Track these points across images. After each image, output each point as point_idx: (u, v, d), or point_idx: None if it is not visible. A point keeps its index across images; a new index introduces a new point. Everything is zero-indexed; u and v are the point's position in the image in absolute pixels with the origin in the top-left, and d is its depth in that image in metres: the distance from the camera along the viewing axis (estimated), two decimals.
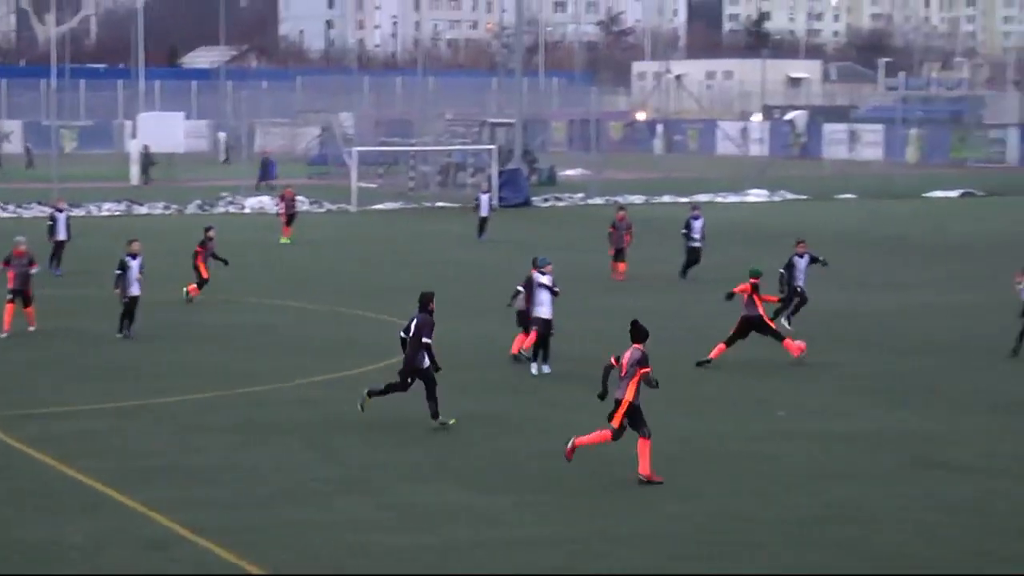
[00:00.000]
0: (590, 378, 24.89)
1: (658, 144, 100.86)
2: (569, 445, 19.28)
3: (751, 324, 26.75)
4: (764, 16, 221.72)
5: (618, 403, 19.06)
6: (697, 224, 38.75)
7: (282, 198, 49.92)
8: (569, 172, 78.60)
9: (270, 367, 26.61)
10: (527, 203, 63.22)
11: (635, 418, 18.97)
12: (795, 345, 26.83)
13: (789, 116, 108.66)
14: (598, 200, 64.20)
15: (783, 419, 22.65)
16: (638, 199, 65.04)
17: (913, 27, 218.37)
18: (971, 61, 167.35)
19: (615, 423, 19.04)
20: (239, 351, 28.54)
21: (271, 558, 15.87)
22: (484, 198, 49.82)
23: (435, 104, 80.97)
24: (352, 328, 31.33)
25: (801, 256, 30.55)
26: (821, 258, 31.01)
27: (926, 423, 22.46)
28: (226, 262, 35.58)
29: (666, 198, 65.63)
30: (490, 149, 65.58)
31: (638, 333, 19.30)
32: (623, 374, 19.04)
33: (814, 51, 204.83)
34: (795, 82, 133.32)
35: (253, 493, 18.54)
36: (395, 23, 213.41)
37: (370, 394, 22.10)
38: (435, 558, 16.02)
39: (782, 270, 30.60)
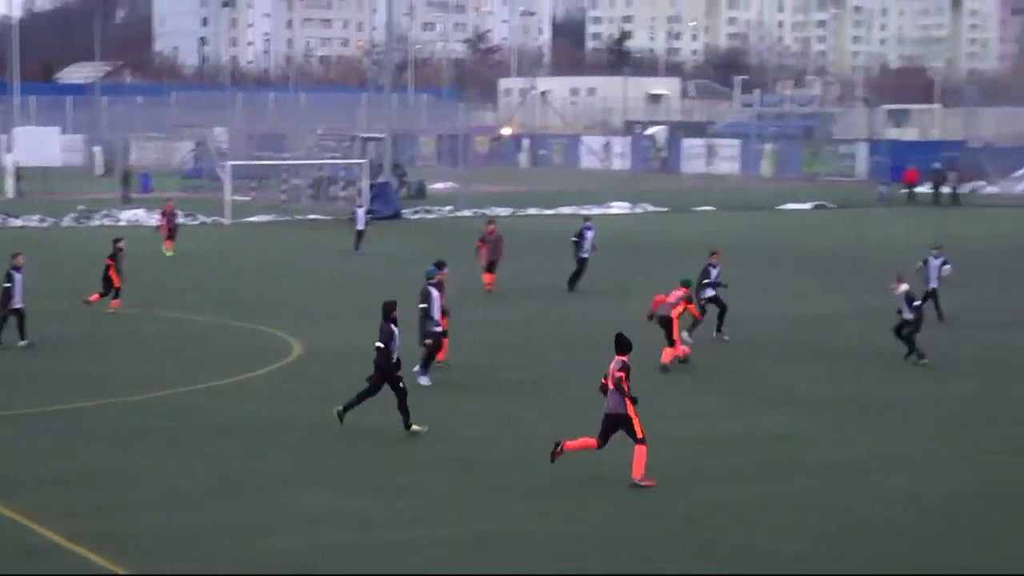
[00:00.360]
0: (467, 387, 25.03)
1: (524, 158, 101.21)
2: (562, 447, 19.16)
3: (664, 323, 27.18)
4: (626, 35, 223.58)
5: (607, 416, 19.00)
6: (589, 235, 38.72)
7: (163, 213, 49.50)
8: (438, 185, 78.65)
9: (148, 375, 26.37)
10: (397, 216, 63.15)
11: (629, 429, 18.89)
12: (674, 352, 27.03)
13: (650, 131, 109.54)
14: (467, 212, 64.33)
15: (649, 424, 22.76)
16: (505, 212, 65.23)
17: (767, 46, 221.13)
18: (822, 79, 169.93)
19: (639, 433, 18.84)
20: (118, 360, 28.26)
21: (149, 564, 15.72)
22: (360, 212, 49.63)
23: (307, 119, 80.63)
24: (229, 338, 31.12)
25: (715, 267, 30.60)
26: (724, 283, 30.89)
27: (791, 425, 22.70)
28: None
29: (532, 211, 65.93)
30: (361, 163, 65.44)
31: (622, 345, 19.20)
32: (611, 387, 19.02)
33: (673, 69, 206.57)
34: (655, 98, 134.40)
35: (130, 500, 18.35)
36: (267, 40, 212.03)
37: (346, 408, 21.82)
38: (306, 560, 15.97)
39: (707, 281, 30.44)
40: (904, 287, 28.10)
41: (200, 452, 20.82)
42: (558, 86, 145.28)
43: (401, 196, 68.48)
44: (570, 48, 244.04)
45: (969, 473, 19.90)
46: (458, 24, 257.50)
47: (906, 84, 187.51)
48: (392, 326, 21.76)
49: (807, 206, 71.65)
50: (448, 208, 65.80)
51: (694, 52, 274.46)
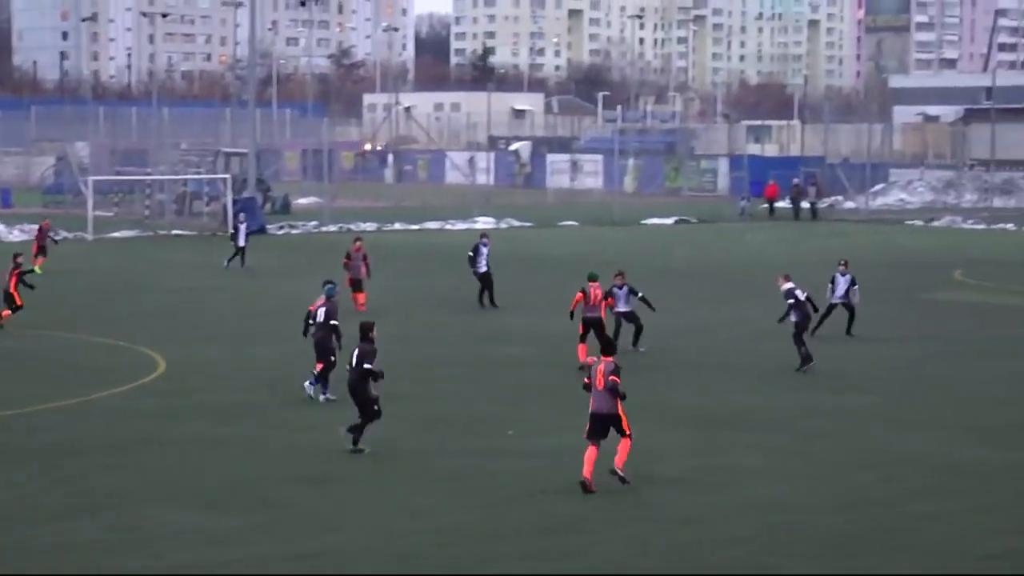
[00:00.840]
0: (338, 402, 24.93)
1: (389, 173, 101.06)
2: (587, 479, 19.43)
3: (591, 324, 27.99)
4: (489, 51, 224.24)
5: (595, 416, 19.67)
6: (484, 250, 38.41)
7: (40, 229, 48.83)
8: (303, 201, 78.28)
9: (9, 393, 25.94)
10: (262, 231, 62.71)
11: (619, 425, 19.74)
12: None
13: (514, 147, 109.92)
14: (331, 228, 64.12)
15: (512, 437, 22.90)
16: (370, 227, 65.17)
17: (629, 62, 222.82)
18: (683, 95, 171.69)
19: (627, 429, 19.74)
20: None
21: None
22: (243, 228, 49.06)
23: (170, 134, 79.69)
24: (93, 354, 30.72)
25: (620, 288, 30.70)
26: (640, 294, 31.00)
27: (645, 438, 22.88)
28: (32, 287, 34.75)
29: (397, 225, 65.91)
30: (225, 178, 64.97)
31: (609, 346, 20.41)
32: (600, 386, 19.68)
33: (537, 85, 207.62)
34: (519, 114, 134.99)
35: None
36: (129, 55, 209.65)
37: (350, 431, 21.59)
38: None
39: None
40: (788, 285, 28.97)
41: (57, 469, 20.50)
42: (422, 101, 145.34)
43: (265, 211, 68.07)
44: (434, 64, 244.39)
45: (826, 485, 20.23)
46: (322, 39, 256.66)
47: (766, 100, 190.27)
48: (373, 346, 21.70)
49: (669, 221, 72.35)
50: (313, 223, 65.54)
51: (557, 68, 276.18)
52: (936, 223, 71.74)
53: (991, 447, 22.41)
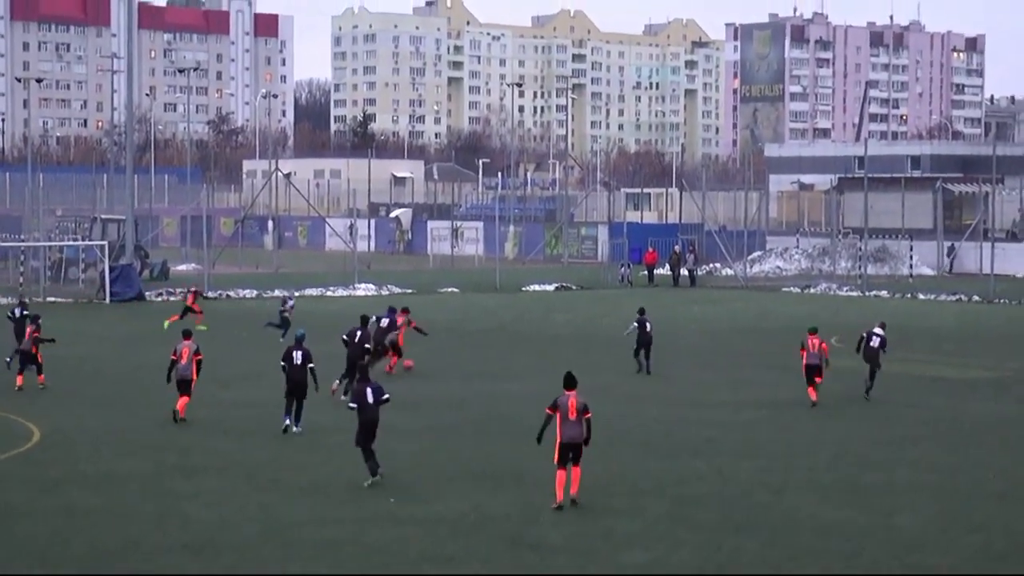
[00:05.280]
0: (216, 471, 24.70)
1: (268, 240, 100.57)
2: (560, 500, 22.10)
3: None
4: (369, 117, 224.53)
5: (567, 445, 22.23)
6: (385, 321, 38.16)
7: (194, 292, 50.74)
8: (181, 267, 77.73)
9: None
10: (140, 298, 62.21)
11: (579, 453, 22.27)
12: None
13: (394, 213, 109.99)
14: (210, 294, 63.65)
15: (393, 504, 22.84)
16: (250, 293, 64.86)
17: (509, 130, 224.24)
18: (563, 163, 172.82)
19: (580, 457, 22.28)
20: None
21: None
22: (290, 303, 48.20)
23: (45, 200, 78.89)
24: None
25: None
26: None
27: (522, 506, 22.92)
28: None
29: (277, 292, 65.55)
30: (101, 245, 64.32)
31: (571, 381, 22.59)
32: (572, 417, 22.21)
33: (417, 151, 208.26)
34: (400, 181, 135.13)
35: None
36: (3, 120, 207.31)
37: (372, 471, 23.85)
38: None
39: None
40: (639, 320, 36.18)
41: None
42: (302, 168, 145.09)
43: (143, 278, 67.52)
44: (314, 130, 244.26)
45: (704, 550, 20.35)
46: (200, 105, 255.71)
47: (644, 168, 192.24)
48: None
49: (550, 287, 72.67)
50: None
51: (437, 135, 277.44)
52: (812, 290, 72.72)
53: (863, 508, 22.68)
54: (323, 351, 38.88)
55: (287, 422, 28.64)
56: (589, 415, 22.50)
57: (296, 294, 56.99)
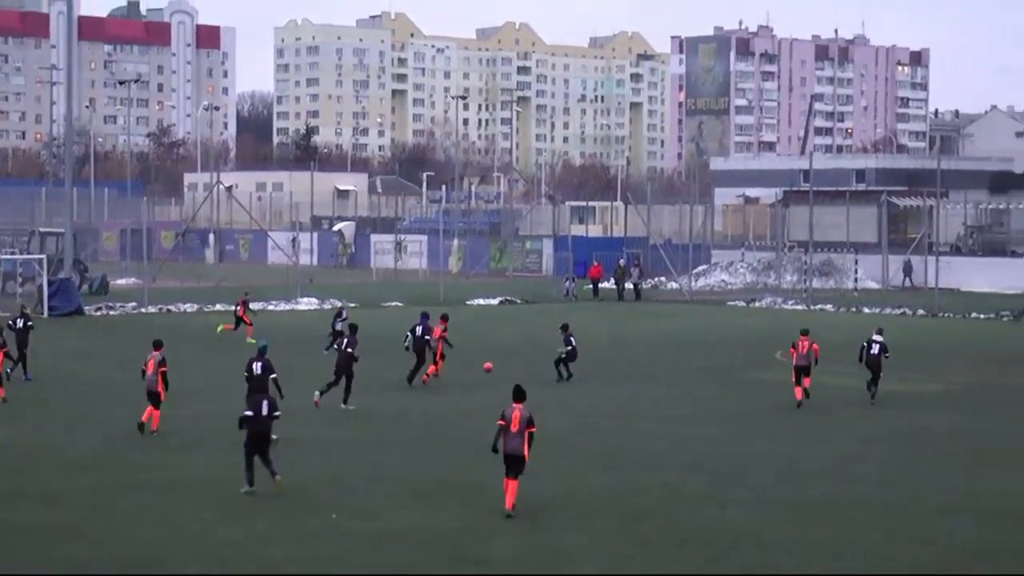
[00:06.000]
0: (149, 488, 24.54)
1: (210, 253, 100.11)
2: (510, 507, 22.47)
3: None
4: (312, 130, 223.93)
5: (510, 456, 22.57)
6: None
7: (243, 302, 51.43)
8: (121, 281, 77.25)
9: None
10: (79, 312, 61.81)
11: (520, 467, 22.60)
12: None
13: (337, 227, 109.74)
14: (151, 309, 63.39)
15: (335, 520, 22.76)
16: (191, 308, 64.56)
17: (453, 143, 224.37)
18: (507, 175, 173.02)
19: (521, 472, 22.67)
20: None
21: None
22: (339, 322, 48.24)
23: None
24: None
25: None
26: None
27: (468, 521, 22.90)
28: None
29: (219, 306, 65.27)
30: (40, 258, 63.88)
31: (520, 394, 22.97)
32: (515, 429, 22.58)
33: (361, 164, 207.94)
34: (343, 194, 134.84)
35: None
36: None
37: (250, 482, 24.18)
38: None
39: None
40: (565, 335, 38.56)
41: None
42: (244, 181, 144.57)
43: (83, 292, 67.07)
44: (256, 143, 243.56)
45: (650, 564, 20.38)
46: (141, 117, 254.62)
47: (589, 181, 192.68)
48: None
49: (495, 301, 72.67)
50: (132, 304, 64.72)
51: (381, 148, 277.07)
52: (757, 304, 73.02)
53: (809, 523, 22.78)
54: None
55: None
56: (533, 429, 22.80)
57: (352, 305, 56.43)
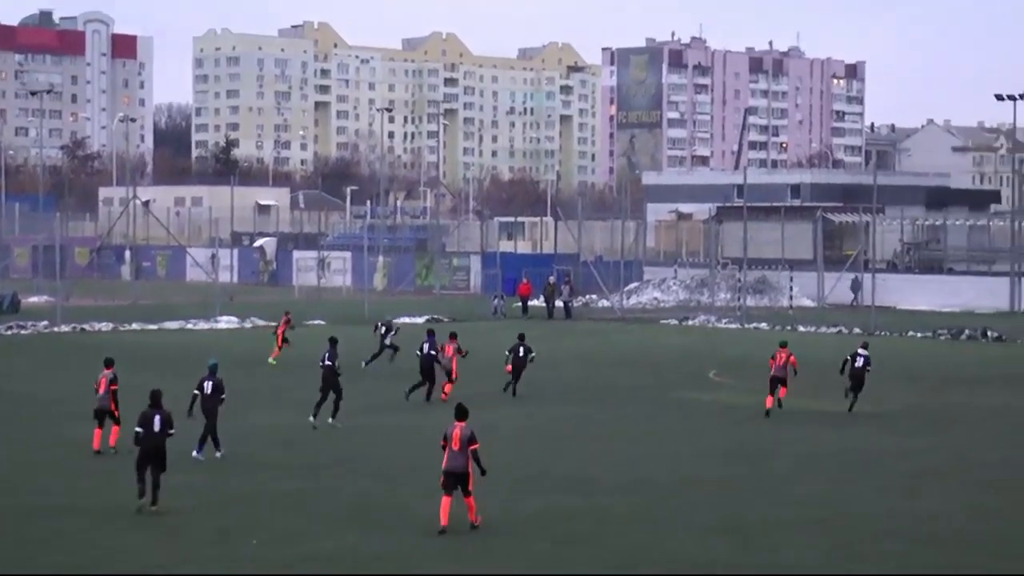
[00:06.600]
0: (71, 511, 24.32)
1: (126, 270, 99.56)
2: (444, 526, 22.93)
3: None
4: (232, 143, 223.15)
5: (450, 474, 22.97)
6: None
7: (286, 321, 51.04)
8: (33, 299, 76.62)
9: None
10: None
11: (466, 484, 23.07)
12: None
13: (258, 243, 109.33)
14: (64, 328, 62.91)
15: (255, 547, 22.68)
16: (106, 327, 64.15)
17: (378, 156, 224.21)
18: (434, 190, 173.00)
19: (471, 487, 23.17)
20: None
21: None
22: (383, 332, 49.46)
23: None
24: None
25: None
26: None
27: (395, 547, 22.87)
28: None
29: (135, 325, 64.93)
30: None
31: (461, 412, 23.51)
32: (456, 448, 23.01)
33: (283, 178, 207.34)
34: (264, 209, 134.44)
35: None
36: None
37: (140, 494, 24.36)
38: None
39: None
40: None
41: None
42: (162, 195, 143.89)
43: None
44: (174, 156, 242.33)
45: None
46: (54, 130, 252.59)
47: (518, 196, 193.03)
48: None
49: (421, 320, 72.55)
50: (44, 323, 64.20)
51: (303, 162, 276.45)
52: (690, 322, 73.33)
53: (746, 547, 22.92)
54: (185, 388, 38.51)
55: (197, 454, 29.63)
56: (476, 446, 23.29)
57: (396, 323, 55.82)
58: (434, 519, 23.11)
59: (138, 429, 24.92)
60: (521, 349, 41.41)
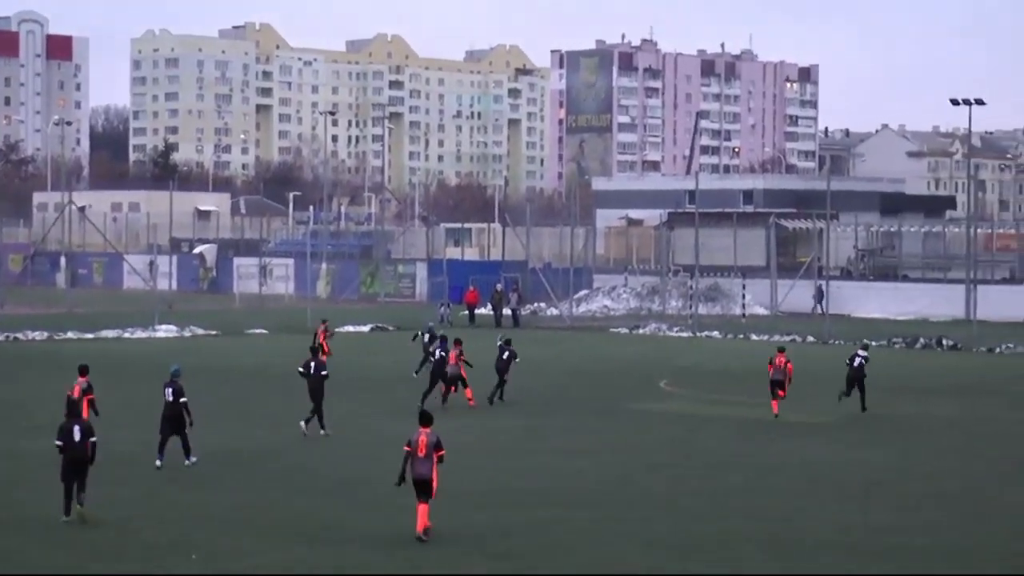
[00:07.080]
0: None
1: (61, 278, 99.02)
2: (421, 530, 23.28)
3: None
4: (171, 147, 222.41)
5: (422, 480, 23.39)
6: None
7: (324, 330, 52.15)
8: None
9: None
10: None
11: (428, 490, 23.43)
12: None
13: (198, 250, 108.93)
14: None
15: (195, 561, 22.56)
16: (40, 335, 63.76)
17: (322, 161, 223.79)
18: (379, 196, 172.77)
19: (432, 495, 23.58)
20: None
21: None
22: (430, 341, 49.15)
23: None
24: None
25: None
26: None
27: (336, 563, 22.80)
28: None
29: (71, 334, 64.58)
30: None
31: (426, 418, 23.96)
32: (422, 454, 23.42)
33: (223, 183, 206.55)
34: (204, 215, 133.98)
35: None
36: None
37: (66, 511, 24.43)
38: None
39: None
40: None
41: None
42: (98, 200, 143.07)
43: None
44: (111, 160, 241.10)
45: None
46: None
47: (465, 202, 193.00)
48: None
49: (366, 328, 72.50)
50: None
51: (244, 166, 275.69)
52: (641, 330, 73.49)
53: (696, 561, 22.96)
54: (120, 398, 38.31)
55: (159, 462, 30.34)
56: (441, 453, 23.75)
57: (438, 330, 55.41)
58: (376, 532, 23.01)
59: (58, 443, 25.05)
60: (505, 353, 42.79)
